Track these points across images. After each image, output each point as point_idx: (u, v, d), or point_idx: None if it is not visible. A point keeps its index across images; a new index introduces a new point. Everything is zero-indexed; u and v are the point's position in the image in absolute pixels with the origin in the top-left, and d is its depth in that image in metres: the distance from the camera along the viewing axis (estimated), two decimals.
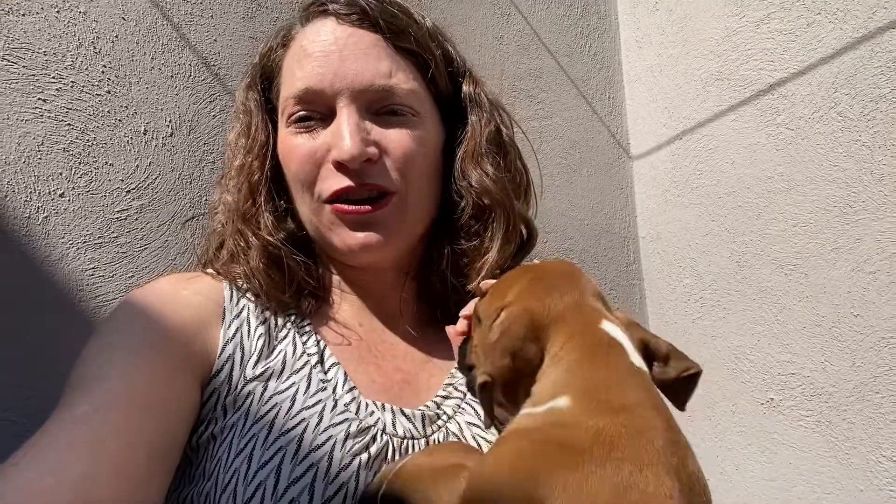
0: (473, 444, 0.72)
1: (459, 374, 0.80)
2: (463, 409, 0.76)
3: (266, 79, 0.83)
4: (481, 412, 0.75)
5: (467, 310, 0.70)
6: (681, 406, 0.58)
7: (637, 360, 0.53)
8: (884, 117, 1.14)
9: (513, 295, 0.58)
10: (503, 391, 0.54)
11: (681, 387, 0.57)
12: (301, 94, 0.74)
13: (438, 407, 0.75)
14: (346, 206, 0.74)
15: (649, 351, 0.57)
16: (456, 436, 0.73)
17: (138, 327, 0.68)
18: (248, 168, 0.79)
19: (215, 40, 1.06)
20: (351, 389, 0.71)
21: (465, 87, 0.84)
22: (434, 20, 0.85)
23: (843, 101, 1.21)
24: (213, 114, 1.04)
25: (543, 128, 1.46)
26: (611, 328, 0.54)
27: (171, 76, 1.01)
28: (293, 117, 0.76)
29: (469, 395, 0.77)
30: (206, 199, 1.02)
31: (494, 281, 0.68)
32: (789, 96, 1.30)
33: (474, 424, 0.74)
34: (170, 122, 1.00)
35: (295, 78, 0.75)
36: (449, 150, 0.83)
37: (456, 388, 0.78)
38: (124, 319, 0.70)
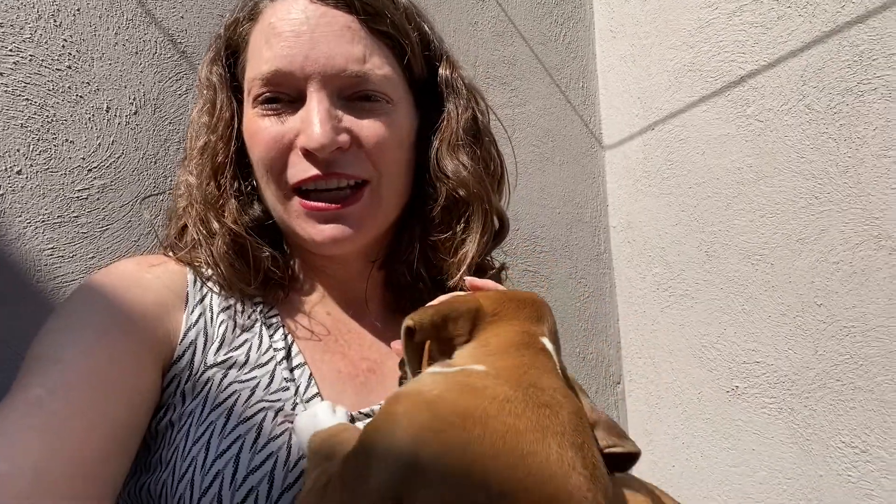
0: None
1: None
2: None
3: (231, 53, 0.79)
4: None
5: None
6: None
7: (560, 370, 0.53)
8: (850, 111, 1.16)
9: (479, 296, 0.60)
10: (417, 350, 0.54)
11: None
12: (269, 75, 0.70)
13: None
14: (313, 203, 0.71)
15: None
16: None
17: (100, 309, 0.66)
18: (213, 148, 0.75)
19: (182, 17, 1.03)
20: (314, 396, 0.70)
21: (441, 71, 0.81)
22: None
23: (811, 94, 1.22)
24: (178, 92, 1.01)
25: (516, 115, 1.46)
26: (547, 343, 0.54)
27: (136, 52, 0.98)
28: (259, 98, 0.72)
29: None
30: (170, 180, 0.99)
31: (476, 280, 0.69)
32: (759, 88, 1.32)
33: None
34: (134, 99, 0.97)
35: (262, 58, 0.72)
36: (421, 135, 0.80)
37: None
38: (85, 301, 0.67)
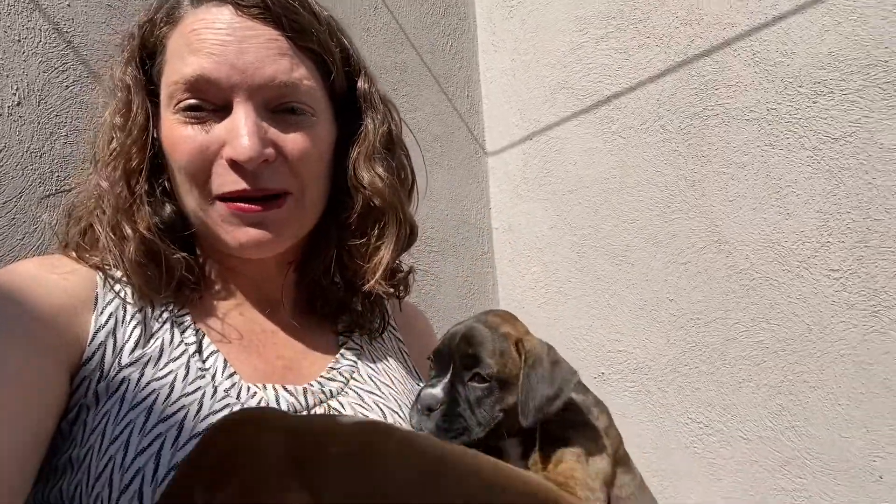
0: None
1: (343, 362, 0.83)
2: (346, 392, 0.79)
3: (147, 55, 0.78)
4: (364, 396, 0.79)
5: None
6: None
7: None
8: (696, 132, 1.34)
9: None
10: None
11: None
12: (193, 80, 0.70)
13: (322, 386, 0.78)
14: (240, 205, 0.73)
15: None
16: (339, 412, 0.76)
17: (3, 312, 0.64)
18: (126, 152, 0.74)
19: (69, 5, 0.98)
20: (231, 375, 0.71)
21: (360, 84, 0.84)
22: None
23: (665, 116, 1.40)
24: (65, 84, 0.97)
25: (408, 121, 1.52)
26: None
27: (19, 40, 0.92)
28: (181, 104, 0.72)
29: (353, 381, 0.81)
30: (57, 176, 0.95)
31: None
32: (622, 108, 1.48)
33: (357, 405, 0.78)
34: (17, 90, 0.92)
35: (185, 62, 0.71)
36: (339, 145, 0.83)
37: (340, 374, 0.81)
38: None
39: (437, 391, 0.68)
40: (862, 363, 1.09)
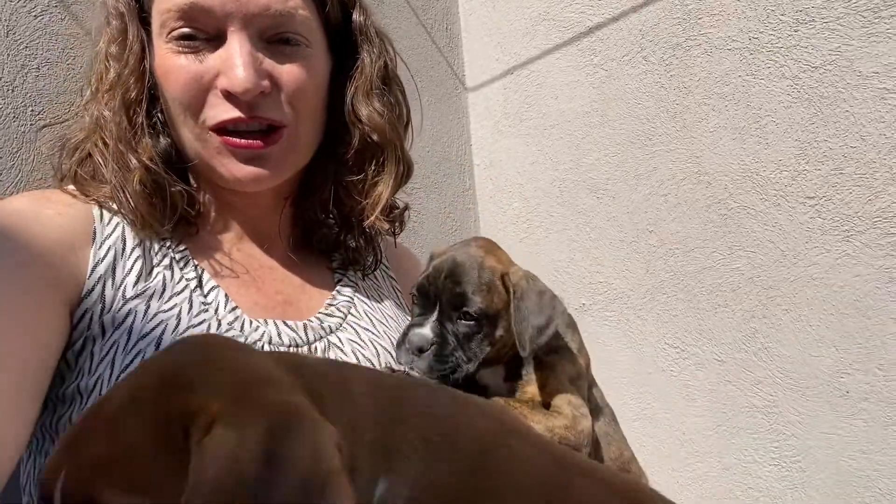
0: (353, 358, 0.78)
1: (340, 297, 0.85)
2: (344, 327, 0.81)
3: None
4: (360, 332, 0.81)
5: None
6: None
7: None
8: (679, 63, 1.34)
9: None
10: None
11: None
12: (186, 8, 0.68)
13: (321, 322, 0.80)
14: (236, 140, 0.72)
15: None
16: (338, 347, 0.78)
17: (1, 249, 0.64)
18: (125, 83, 0.72)
19: None
20: (233, 309, 0.73)
21: (355, 16, 0.82)
22: None
23: (648, 47, 1.39)
24: (34, 13, 0.92)
25: None
26: None
27: None
28: (174, 33, 0.70)
29: (350, 317, 0.83)
30: (31, 110, 0.92)
31: None
32: (605, 39, 1.47)
33: (353, 341, 0.80)
34: None
35: None
36: (334, 78, 0.82)
37: (338, 309, 0.83)
38: None
39: (426, 331, 0.68)
40: (833, 286, 1.14)
